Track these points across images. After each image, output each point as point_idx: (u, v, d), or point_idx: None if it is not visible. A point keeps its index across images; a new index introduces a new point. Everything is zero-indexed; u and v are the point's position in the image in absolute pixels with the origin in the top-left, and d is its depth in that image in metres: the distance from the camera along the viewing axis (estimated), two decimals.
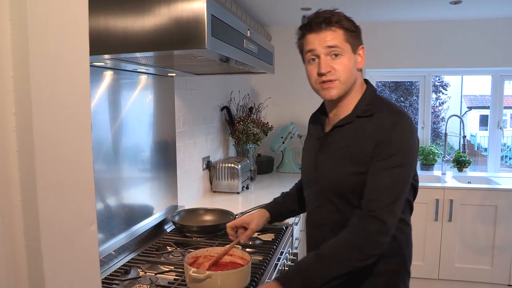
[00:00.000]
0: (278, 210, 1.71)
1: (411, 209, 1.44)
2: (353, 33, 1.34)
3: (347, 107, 1.40)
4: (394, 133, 1.28)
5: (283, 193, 1.78)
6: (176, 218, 2.13)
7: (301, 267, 1.26)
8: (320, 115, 1.53)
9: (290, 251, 2.16)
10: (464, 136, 3.86)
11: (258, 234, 2.08)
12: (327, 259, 1.24)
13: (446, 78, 7.53)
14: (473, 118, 9.58)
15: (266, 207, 1.71)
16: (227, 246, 1.55)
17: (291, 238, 2.21)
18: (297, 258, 2.16)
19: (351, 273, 1.23)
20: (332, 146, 1.41)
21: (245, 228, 1.62)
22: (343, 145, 1.37)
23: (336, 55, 1.32)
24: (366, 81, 1.46)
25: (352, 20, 1.37)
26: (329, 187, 1.40)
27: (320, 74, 1.34)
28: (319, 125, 1.51)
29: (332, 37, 1.31)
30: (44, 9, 0.54)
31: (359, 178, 1.31)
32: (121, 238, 1.83)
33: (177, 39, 1.25)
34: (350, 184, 1.34)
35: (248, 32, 1.68)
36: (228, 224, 1.65)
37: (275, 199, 1.76)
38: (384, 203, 1.24)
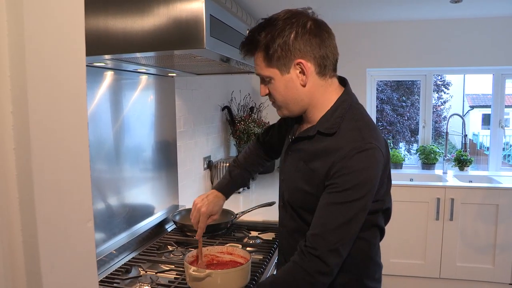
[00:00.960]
0: (233, 188, 1.67)
1: (381, 232, 1.35)
2: (276, 53, 1.17)
3: (314, 118, 1.27)
4: (352, 164, 1.13)
5: (240, 164, 1.68)
6: (177, 218, 2.14)
7: None
8: None
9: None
10: (466, 135, 3.86)
11: (259, 233, 2.09)
12: None
13: (448, 77, 7.51)
14: (475, 117, 9.56)
15: (222, 191, 1.62)
16: (200, 245, 1.53)
17: None
18: None
19: None
20: (294, 155, 1.32)
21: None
22: (300, 159, 1.28)
23: (266, 81, 1.24)
24: (345, 86, 1.29)
25: (276, 34, 1.17)
26: (286, 195, 1.36)
27: None
28: (294, 122, 1.39)
29: (257, 63, 1.23)
30: (40, 10, 0.55)
31: (308, 198, 1.23)
32: (122, 238, 1.84)
33: (176, 39, 1.26)
34: (300, 200, 1.29)
35: (248, 31, 1.69)
36: (202, 215, 1.54)
37: (231, 175, 1.66)
38: (329, 242, 1.14)
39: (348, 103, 1.24)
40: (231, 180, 1.66)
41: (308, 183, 1.23)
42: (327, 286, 1.19)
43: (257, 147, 1.70)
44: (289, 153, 1.34)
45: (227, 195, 1.64)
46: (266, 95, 1.27)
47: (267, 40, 1.17)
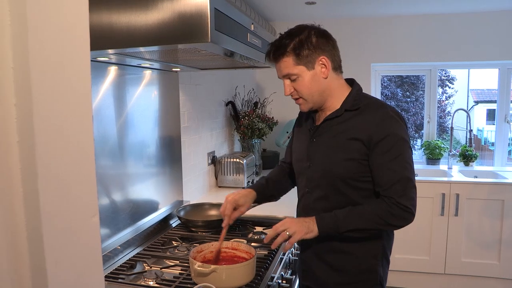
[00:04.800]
0: (264, 193, 1.73)
1: None
2: (304, 53, 1.42)
3: (334, 105, 1.52)
4: (386, 126, 1.42)
5: (264, 177, 1.80)
6: (182, 213, 2.14)
7: (337, 214, 1.43)
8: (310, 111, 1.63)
9: (296, 246, 2.16)
10: (471, 130, 3.83)
11: (263, 229, 2.08)
12: (358, 215, 1.42)
13: (453, 72, 7.47)
14: (480, 113, 9.50)
15: (254, 187, 1.72)
16: (223, 232, 1.56)
17: None
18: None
19: (371, 232, 1.45)
20: (323, 136, 1.53)
21: (235, 209, 1.62)
22: (334, 135, 1.50)
23: (293, 79, 1.46)
24: (353, 80, 1.58)
25: (302, 39, 1.43)
26: (320, 175, 1.53)
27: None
28: (310, 119, 1.62)
29: (284, 66, 1.45)
30: (43, 0, 0.54)
31: (348, 164, 1.45)
32: (126, 233, 1.83)
33: (181, 33, 1.25)
34: (339, 170, 1.47)
35: (252, 26, 1.68)
36: (229, 203, 1.61)
37: (259, 182, 1.78)
38: (397, 192, 1.39)
39: (360, 90, 1.55)
40: (262, 182, 1.77)
41: (347, 151, 1.45)
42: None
43: (282, 168, 1.84)
44: (313, 140, 1.55)
45: (258, 194, 1.69)
46: (290, 93, 1.50)
47: (295, 43, 1.43)
